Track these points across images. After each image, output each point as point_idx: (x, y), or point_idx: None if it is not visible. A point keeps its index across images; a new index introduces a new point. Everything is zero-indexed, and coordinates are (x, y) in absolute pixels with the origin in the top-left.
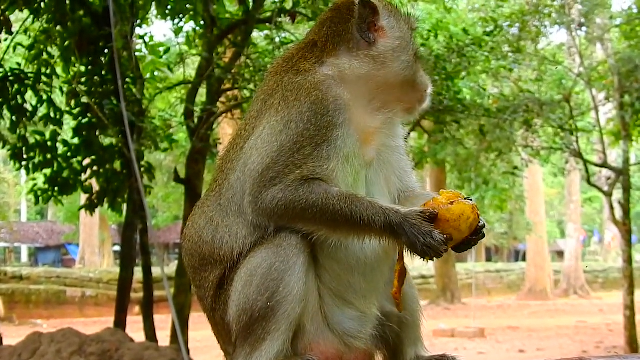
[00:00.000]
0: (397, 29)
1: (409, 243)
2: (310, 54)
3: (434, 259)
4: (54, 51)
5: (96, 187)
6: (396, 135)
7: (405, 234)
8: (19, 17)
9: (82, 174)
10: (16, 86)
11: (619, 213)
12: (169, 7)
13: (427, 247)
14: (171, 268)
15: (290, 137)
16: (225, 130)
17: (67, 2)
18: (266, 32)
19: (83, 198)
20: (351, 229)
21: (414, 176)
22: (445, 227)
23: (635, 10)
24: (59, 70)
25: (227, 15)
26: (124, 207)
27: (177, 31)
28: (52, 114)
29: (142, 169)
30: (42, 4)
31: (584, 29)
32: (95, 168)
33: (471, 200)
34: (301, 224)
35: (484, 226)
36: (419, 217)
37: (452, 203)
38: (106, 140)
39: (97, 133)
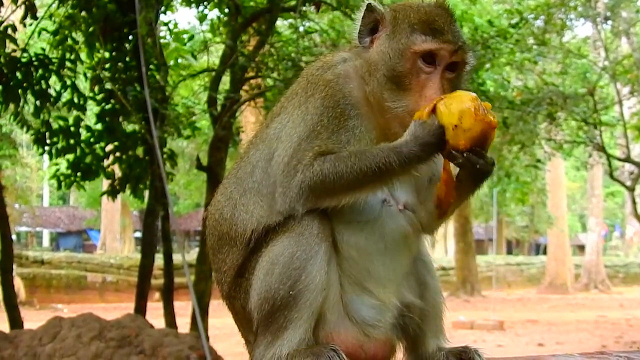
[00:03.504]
0: (388, 45)
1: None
2: (343, 47)
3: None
4: (79, 37)
5: (118, 173)
6: None
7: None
8: (44, 3)
9: (105, 160)
10: (40, 71)
11: None
12: None
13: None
14: (192, 255)
15: (309, 126)
16: (247, 118)
17: None
18: (290, 20)
19: (105, 184)
20: (373, 178)
21: None
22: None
23: None
24: (83, 56)
25: (252, 4)
26: (146, 193)
27: (202, 19)
28: (75, 100)
29: (165, 156)
30: None
31: (609, 22)
32: (117, 154)
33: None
34: (325, 197)
35: (494, 163)
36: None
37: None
38: (129, 127)
39: (120, 119)
